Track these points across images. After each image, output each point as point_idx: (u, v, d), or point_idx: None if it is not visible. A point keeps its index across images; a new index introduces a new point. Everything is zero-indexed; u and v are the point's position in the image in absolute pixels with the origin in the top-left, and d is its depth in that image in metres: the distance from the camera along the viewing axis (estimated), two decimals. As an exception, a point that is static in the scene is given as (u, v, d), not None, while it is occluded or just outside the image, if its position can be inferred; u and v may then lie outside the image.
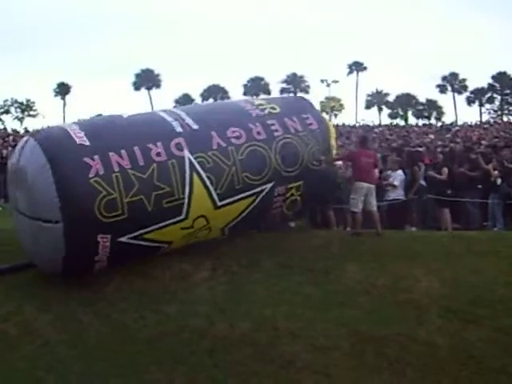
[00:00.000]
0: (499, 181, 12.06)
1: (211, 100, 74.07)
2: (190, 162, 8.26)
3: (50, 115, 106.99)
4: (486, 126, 39.69)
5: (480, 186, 12.44)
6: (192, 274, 8.24)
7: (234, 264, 8.60)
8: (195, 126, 8.69)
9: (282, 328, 6.98)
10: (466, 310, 7.21)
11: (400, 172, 12.34)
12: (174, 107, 9.84)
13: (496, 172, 12.19)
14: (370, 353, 6.48)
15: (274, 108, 9.65)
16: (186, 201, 8.21)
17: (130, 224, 7.84)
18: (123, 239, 7.89)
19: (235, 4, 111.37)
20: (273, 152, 8.99)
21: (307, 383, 6.01)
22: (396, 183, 12.11)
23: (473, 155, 13.61)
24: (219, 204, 8.52)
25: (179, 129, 8.56)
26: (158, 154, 8.07)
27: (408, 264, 8.58)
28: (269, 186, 8.96)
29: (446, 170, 12.21)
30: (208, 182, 8.36)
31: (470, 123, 45.97)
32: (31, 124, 55.91)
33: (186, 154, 8.27)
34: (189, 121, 8.76)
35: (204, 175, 8.32)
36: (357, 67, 76.32)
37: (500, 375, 5.99)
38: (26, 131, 34.26)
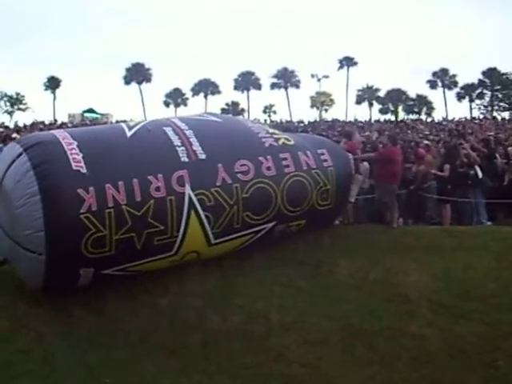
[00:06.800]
0: (479, 174, 12.15)
1: (202, 94, 74.07)
2: (190, 200, 7.86)
3: (39, 109, 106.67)
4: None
5: (470, 182, 12.46)
6: (183, 266, 8.22)
7: (225, 257, 8.57)
8: (202, 156, 8.20)
9: (273, 321, 7.00)
10: (456, 305, 7.27)
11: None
12: (182, 120, 9.07)
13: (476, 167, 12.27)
14: (360, 346, 6.50)
15: (288, 139, 9.20)
16: (179, 239, 7.89)
17: (116, 259, 7.58)
18: (107, 271, 7.65)
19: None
20: (280, 191, 8.56)
21: (298, 376, 6.02)
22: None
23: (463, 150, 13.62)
24: (213, 242, 8.21)
25: (185, 158, 8.09)
26: (157, 189, 7.65)
27: (399, 258, 8.62)
28: (270, 225, 8.65)
29: (447, 166, 12.18)
30: (205, 222, 8.01)
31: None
32: (21, 118, 55.43)
33: (187, 190, 7.85)
34: (196, 147, 8.27)
35: (202, 214, 7.95)
36: (347, 62, 76.26)
37: (490, 369, 6.00)
38: (16, 126, 34.02)
